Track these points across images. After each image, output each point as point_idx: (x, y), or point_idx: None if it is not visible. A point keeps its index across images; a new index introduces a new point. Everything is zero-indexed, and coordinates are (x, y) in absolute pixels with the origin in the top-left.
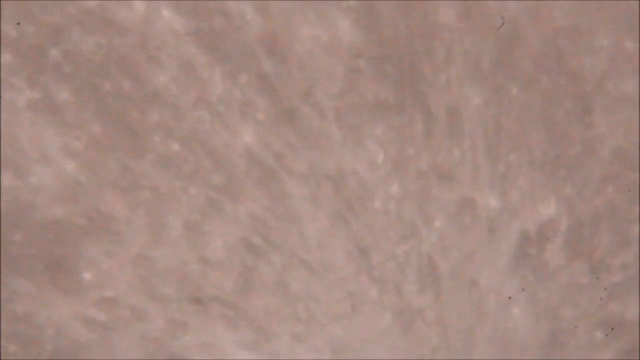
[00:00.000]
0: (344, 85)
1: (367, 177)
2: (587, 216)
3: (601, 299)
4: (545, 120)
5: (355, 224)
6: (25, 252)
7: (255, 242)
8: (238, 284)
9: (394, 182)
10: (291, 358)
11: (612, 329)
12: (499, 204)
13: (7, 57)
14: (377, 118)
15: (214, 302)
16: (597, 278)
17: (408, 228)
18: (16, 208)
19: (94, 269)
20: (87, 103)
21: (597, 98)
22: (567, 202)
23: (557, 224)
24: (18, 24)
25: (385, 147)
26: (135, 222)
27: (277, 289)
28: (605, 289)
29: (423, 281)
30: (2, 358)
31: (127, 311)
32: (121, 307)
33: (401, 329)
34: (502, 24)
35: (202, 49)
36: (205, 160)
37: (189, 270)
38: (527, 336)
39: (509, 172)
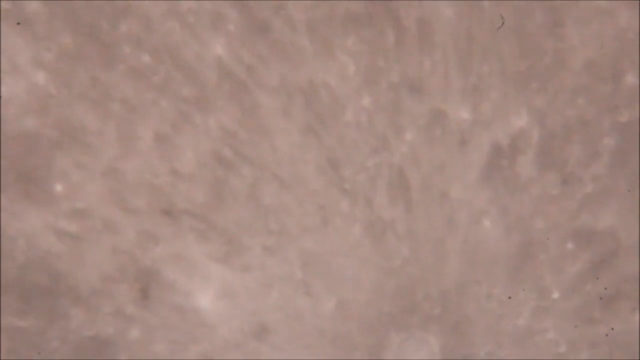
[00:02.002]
0: None
1: (338, 89)
2: (559, 128)
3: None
4: (517, 32)
5: (326, 136)
6: None
7: (226, 154)
8: (209, 197)
9: (365, 94)
10: (262, 270)
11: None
12: (470, 115)
13: None
14: (348, 30)
15: (185, 214)
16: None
17: (379, 140)
18: None
19: (65, 180)
20: (57, 14)
21: (569, 10)
22: (538, 113)
23: (528, 135)
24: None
25: (356, 59)
26: (105, 134)
27: (248, 201)
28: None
29: (394, 193)
30: None
31: (98, 222)
32: (92, 218)
33: (372, 240)
34: (503, 23)
35: None
36: (176, 72)
37: (159, 183)
38: (497, 248)
39: (481, 84)
